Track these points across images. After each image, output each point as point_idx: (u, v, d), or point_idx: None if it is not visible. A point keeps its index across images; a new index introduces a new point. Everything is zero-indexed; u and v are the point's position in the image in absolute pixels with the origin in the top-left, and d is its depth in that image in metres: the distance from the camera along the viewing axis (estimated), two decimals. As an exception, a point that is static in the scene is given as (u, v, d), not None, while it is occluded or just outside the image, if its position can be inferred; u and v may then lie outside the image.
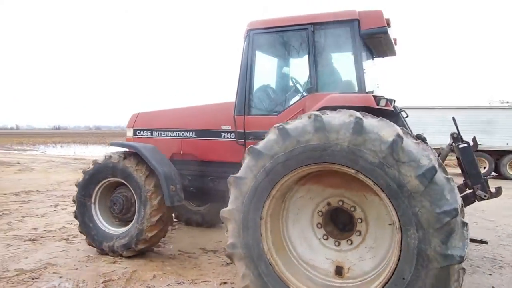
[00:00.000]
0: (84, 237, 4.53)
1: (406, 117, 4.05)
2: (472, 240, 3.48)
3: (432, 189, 2.30)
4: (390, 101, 3.53)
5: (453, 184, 2.40)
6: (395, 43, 4.09)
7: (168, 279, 3.72)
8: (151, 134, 4.94)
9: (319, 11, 3.82)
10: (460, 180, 3.82)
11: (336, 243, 2.96)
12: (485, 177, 3.39)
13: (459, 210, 2.30)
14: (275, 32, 4.03)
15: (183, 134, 4.66)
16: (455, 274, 2.30)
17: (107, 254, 4.32)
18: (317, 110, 3.02)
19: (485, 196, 3.24)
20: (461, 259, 2.26)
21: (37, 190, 9.16)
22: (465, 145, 3.45)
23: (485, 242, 3.59)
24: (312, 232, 3.04)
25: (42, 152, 25.63)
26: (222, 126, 4.30)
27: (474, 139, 3.68)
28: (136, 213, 4.23)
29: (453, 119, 3.59)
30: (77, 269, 3.94)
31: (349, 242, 2.92)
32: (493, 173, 13.24)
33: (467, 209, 7.34)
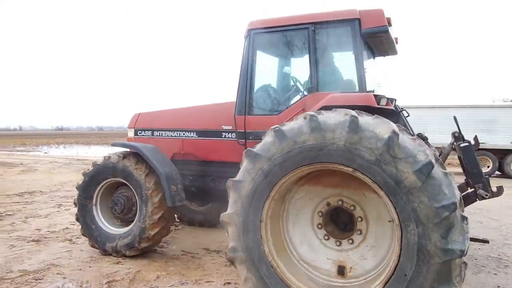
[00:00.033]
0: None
1: (407, 116, 4.04)
2: (473, 240, 3.47)
3: (429, 184, 2.30)
4: (391, 100, 3.53)
5: (450, 179, 2.39)
6: (396, 42, 4.08)
7: (171, 279, 3.72)
8: (152, 134, 4.95)
9: (320, 10, 3.82)
10: (462, 179, 3.81)
11: (337, 243, 2.96)
12: (487, 176, 3.38)
13: (457, 204, 2.29)
14: (276, 32, 4.03)
15: (184, 134, 4.68)
16: (456, 268, 2.29)
17: (110, 254, 4.33)
18: (318, 110, 3.02)
19: (486, 195, 3.23)
20: (462, 253, 2.25)
21: (40, 191, 9.20)
22: (466, 144, 3.44)
23: (487, 241, 3.58)
24: (312, 233, 3.04)
25: (45, 153, 25.78)
26: (223, 126, 4.30)
27: (475, 138, 3.66)
28: (137, 212, 4.24)
29: (454, 118, 3.58)
30: (80, 269, 3.96)
31: (350, 241, 2.92)
32: (497, 172, 13.17)
33: (471, 209, 7.29)
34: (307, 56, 3.83)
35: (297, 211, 3.07)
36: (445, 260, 2.26)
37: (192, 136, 4.61)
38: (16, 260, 4.24)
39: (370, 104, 3.13)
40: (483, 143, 12.28)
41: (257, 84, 4.12)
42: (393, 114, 3.44)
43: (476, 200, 3.36)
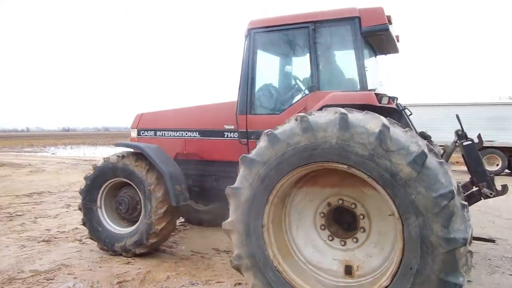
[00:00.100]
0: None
1: (410, 115, 4.02)
2: (479, 239, 3.45)
3: (425, 174, 2.30)
4: (392, 99, 3.52)
5: (446, 167, 2.39)
6: (398, 40, 4.06)
7: (181, 280, 3.74)
8: (155, 134, 5.00)
9: (319, 10, 3.81)
10: (467, 178, 3.77)
11: (342, 243, 2.96)
12: (491, 175, 3.34)
13: (455, 192, 2.28)
14: (276, 31, 4.03)
15: (186, 134, 4.71)
16: (462, 258, 2.27)
17: (120, 254, 4.38)
18: (319, 109, 3.04)
19: (491, 194, 3.20)
20: (465, 241, 2.23)
21: (49, 191, 9.36)
22: (470, 142, 3.40)
23: (493, 241, 3.55)
24: (316, 235, 3.05)
25: (53, 153, 26.07)
26: (225, 126, 4.33)
27: (479, 136, 3.63)
28: (142, 209, 4.28)
29: (457, 116, 3.56)
30: (91, 270, 4.01)
31: (355, 240, 2.92)
32: (506, 170, 13.03)
33: (482, 208, 7.17)
34: (307, 55, 3.84)
35: (299, 214, 3.08)
36: (449, 249, 2.23)
37: (194, 136, 4.65)
38: (27, 260, 4.32)
39: (371, 103, 3.13)
40: (491, 141, 12.15)
41: (258, 84, 4.14)
42: (395, 112, 3.43)
43: (481, 199, 3.32)
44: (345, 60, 3.90)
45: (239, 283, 3.65)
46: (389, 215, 2.65)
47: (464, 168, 3.57)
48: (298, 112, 3.57)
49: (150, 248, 4.33)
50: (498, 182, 3.35)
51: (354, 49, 3.61)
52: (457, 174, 6.71)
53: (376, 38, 3.82)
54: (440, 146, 4.51)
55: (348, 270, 2.87)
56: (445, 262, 2.26)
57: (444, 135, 8.31)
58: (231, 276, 3.81)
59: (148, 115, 5.21)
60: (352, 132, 2.48)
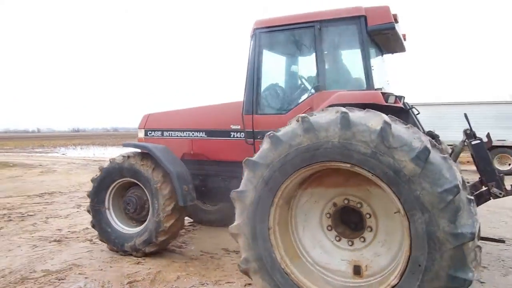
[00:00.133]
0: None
1: (417, 114, 3.98)
2: (488, 239, 3.40)
3: (429, 170, 2.27)
4: (399, 98, 3.49)
5: (450, 162, 2.36)
6: (404, 39, 4.02)
7: (191, 280, 3.75)
8: (162, 134, 5.04)
9: (322, 9, 3.80)
10: (476, 178, 3.71)
11: (349, 243, 2.95)
12: (501, 174, 3.29)
13: (460, 187, 2.25)
14: (282, 31, 4.03)
15: (193, 134, 4.74)
16: (470, 253, 2.24)
17: (130, 254, 4.42)
18: (325, 108, 3.03)
19: (500, 193, 3.15)
20: (473, 235, 2.20)
21: (60, 192, 9.51)
22: (478, 141, 3.35)
23: (503, 241, 3.50)
24: (323, 235, 3.04)
25: (63, 154, 26.47)
26: (231, 126, 4.35)
27: (488, 135, 3.57)
28: (150, 207, 4.32)
29: (465, 115, 3.51)
30: (101, 270, 4.06)
31: (362, 239, 2.91)
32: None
33: (494, 208, 7.01)
34: (313, 54, 3.83)
35: (305, 215, 3.08)
36: (457, 245, 2.21)
37: (201, 136, 4.67)
38: (39, 260, 4.40)
39: (378, 102, 3.11)
40: (503, 140, 11.93)
41: (264, 83, 4.15)
42: (402, 111, 3.40)
43: (490, 199, 3.27)
44: (351, 59, 3.88)
45: (249, 283, 3.63)
46: (395, 213, 2.63)
47: (475, 167, 3.50)
48: (304, 112, 3.57)
49: (159, 247, 4.35)
50: (509, 182, 3.29)
51: (360, 48, 3.59)
52: (467, 174, 6.59)
53: (383, 37, 3.79)
54: (449, 145, 4.45)
55: (357, 270, 2.86)
56: (454, 258, 2.23)
57: (452, 134, 8.23)
58: (241, 277, 3.78)
59: (155, 115, 5.26)
60: (354, 130, 2.47)
